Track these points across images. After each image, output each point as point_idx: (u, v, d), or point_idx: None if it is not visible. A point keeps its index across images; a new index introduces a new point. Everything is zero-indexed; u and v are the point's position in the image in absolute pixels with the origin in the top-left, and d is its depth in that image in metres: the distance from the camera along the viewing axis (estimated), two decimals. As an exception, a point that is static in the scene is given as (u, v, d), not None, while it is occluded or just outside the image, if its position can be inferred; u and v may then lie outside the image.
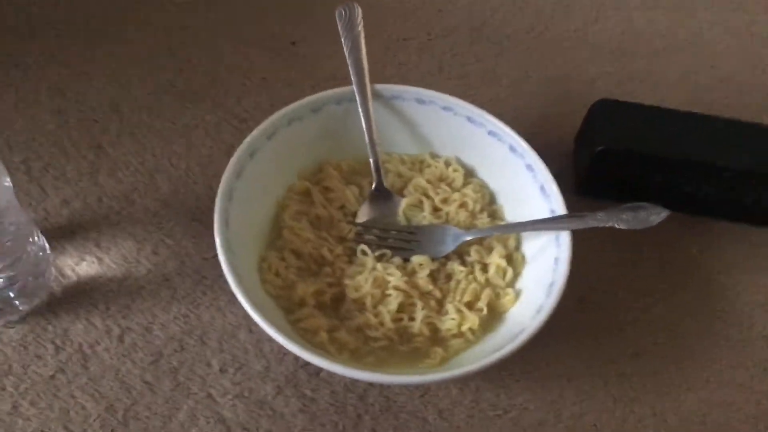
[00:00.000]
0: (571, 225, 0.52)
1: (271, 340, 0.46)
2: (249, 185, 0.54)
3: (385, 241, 0.56)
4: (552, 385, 0.54)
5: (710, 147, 0.60)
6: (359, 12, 0.60)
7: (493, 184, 0.60)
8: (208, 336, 0.53)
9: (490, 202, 0.60)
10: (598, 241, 0.58)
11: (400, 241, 0.56)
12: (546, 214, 0.54)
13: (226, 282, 0.47)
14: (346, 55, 0.59)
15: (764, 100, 0.73)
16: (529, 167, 0.57)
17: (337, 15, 0.60)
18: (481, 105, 0.58)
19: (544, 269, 0.53)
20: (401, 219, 0.58)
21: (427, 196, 0.59)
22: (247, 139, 0.54)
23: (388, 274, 0.53)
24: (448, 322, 0.52)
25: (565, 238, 0.52)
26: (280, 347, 0.46)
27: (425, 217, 0.58)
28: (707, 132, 0.61)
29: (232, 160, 0.53)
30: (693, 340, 0.57)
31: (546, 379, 0.54)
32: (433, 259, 0.55)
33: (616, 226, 0.52)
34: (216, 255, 0.48)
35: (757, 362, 0.56)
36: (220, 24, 0.74)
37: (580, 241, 0.52)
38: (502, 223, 0.58)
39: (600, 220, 0.52)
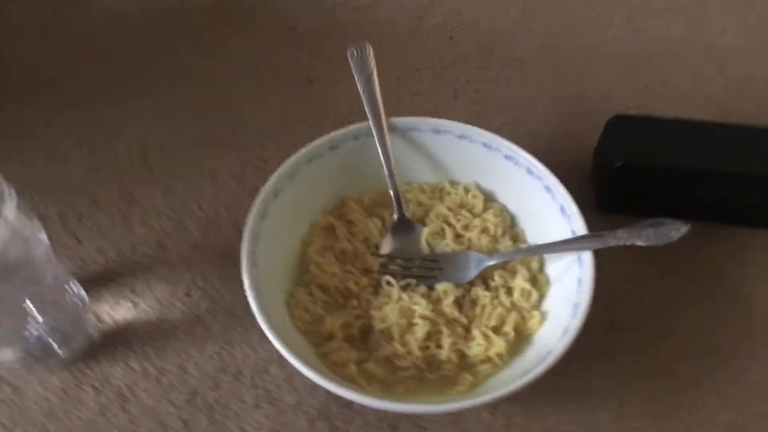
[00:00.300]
0: (592, 245, 0.52)
1: (301, 374, 0.47)
2: (274, 224, 0.55)
3: (409, 271, 0.57)
4: (584, 406, 0.53)
5: (727, 155, 0.60)
6: (371, 51, 0.61)
7: (513, 207, 0.61)
8: (242, 372, 0.54)
9: (511, 226, 0.60)
10: (621, 258, 0.58)
11: (424, 270, 0.57)
12: (567, 235, 0.55)
13: (256, 319, 0.49)
14: (361, 92, 0.60)
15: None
16: (548, 189, 0.57)
17: (349, 55, 0.61)
18: (497, 129, 0.59)
19: (568, 290, 0.53)
20: (424, 248, 0.59)
21: (449, 224, 0.60)
22: (270, 181, 0.56)
23: (414, 303, 0.54)
24: (476, 348, 0.53)
25: (587, 258, 0.52)
26: (311, 381, 0.47)
27: (448, 244, 0.59)
28: (723, 140, 0.61)
29: (256, 201, 0.55)
30: (724, 352, 0.56)
31: (578, 401, 0.54)
32: (457, 286, 0.56)
33: (637, 243, 0.52)
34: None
35: (794, 372, 0.55)
36: (239, 68, 0.76)
37: (602, 259, 0.52)
38: (524, 246, 0.59)
39: (620, 238, 0.52)
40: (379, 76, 0.61)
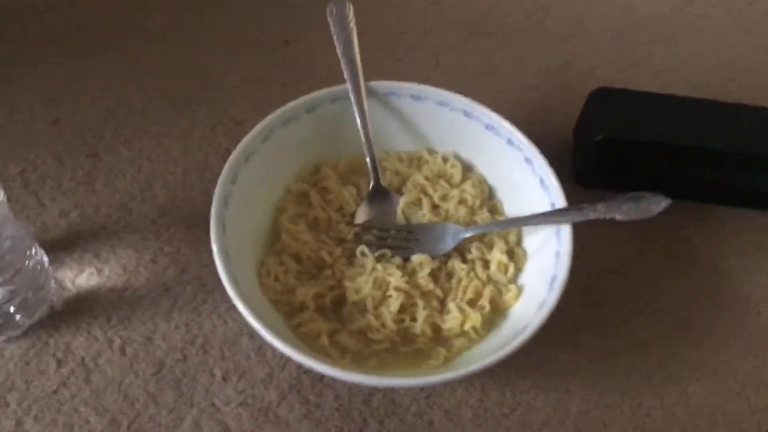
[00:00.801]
0: (571, 218, 0.51)
1: (272, 346, 0.46)
2: (246, 189, 0.53)
3: (385, 241, 0.55)
4: (558, 381, 0.53)
5: (711, 132, 0.59)
6: (351, 9, 0.59)
7: (492, 178, 0.59)
8: (210, 344, 0.53)
9: (489, 197, 0.59)
10: (601, 233, 0.57)
11: (400, 241, 0.56)
12: (546, 208, 0.54)
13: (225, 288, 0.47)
14: (339, 53, 0.58)
15: (767, 84, 0.71)
16: (528, 160, 0.56)
17: (328, 12, 0.59)
18: (479, 98, 0.58)
19: (545, 264, 0.52)
20: (400, 218, 0.57)
21: (426, 194, 0.58)
22: (242, 143, 0.54)
23: (389, 275, 0.53)
24: (451, 321, 0.52)
25: (565, 231, 0.51)
26: (282, 353, 0.45)
27: (424, 215, 0.57)
28: (708, 117, 0.60)
29: (227, 165, 0.52)
30: (700, 330, 0.56)
31: (552, 376, 0.53)
32: (433, 258, 0.54)
33: (617, 217, 0.51)
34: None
35: (767, 350, 0.55)
36: (213, 25, 0.73)
37: (581, 234, 0.51)
38: (502, 218, 0.58)
39: (600, 212, 0.51)
40: (359, 37, 0.58)
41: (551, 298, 0.48)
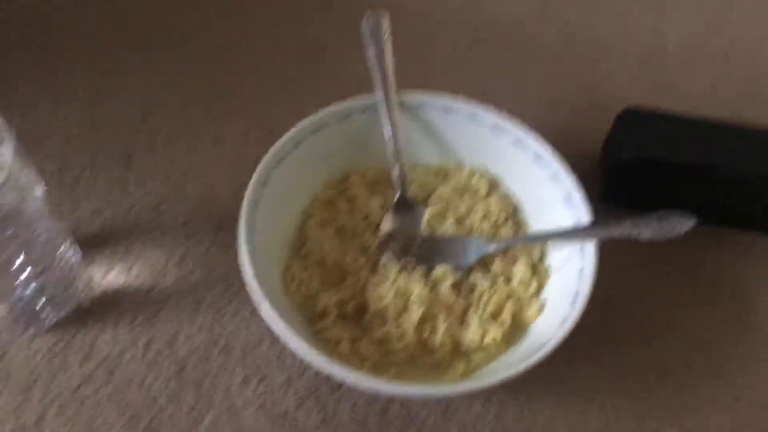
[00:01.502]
0: (596, 234, 0.51)
1: (293, 352, 0.46)
2: (275, 194, 0.54)
3: (408, 252, 0.56)
4: (576, 401, 0.53)
5: (739, 156, 0.58)
6: (387, 23, 0.59)
7: (518, 193, 0.59)
8: (232, 346, 0.53)
9: (514, 213, 0.59)
10: (625, 253, 0.57)
11: (424, 251, 0.56)
12: (571, 224, 0.54)
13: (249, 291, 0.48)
14: (371, 65, 0.59)
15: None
16: (555, 177, 0.56)
17: (363, 23, 0.59)
18: (507, 114, 0.58)
19: (568, 280, 0.52)
20: (425, 229, 0.58)
21: (451, 207, 0.58)
22: (274, 148, 0.55)
23: (411, 285, 0.53)
24: (471, 335, 0.52)
25: (589, 247, 0.51)
26: (302, 359, 0.46)
27: (448, 227, 0.57)
28: (734, 141, 0.59)
29: (259, 169, 0.53)
30: (721, 356, 0.55)
31: (570, 395, 0.53)
32: (456, 270, 0.55)
33: (642, 235, 0.51)
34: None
35: (792, 379, 0.54)
36: (248, 29, 0.74)
37: (606, 253, 0.51)
38: (526, 233, 0.58)
39: (625, 229, 0.51)
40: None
41: (573, 314, 0.48)
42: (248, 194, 0.52)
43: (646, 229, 0.51)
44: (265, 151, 0.54)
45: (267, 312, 0.47)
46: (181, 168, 0.63)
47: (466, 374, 0.51)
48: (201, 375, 0.52)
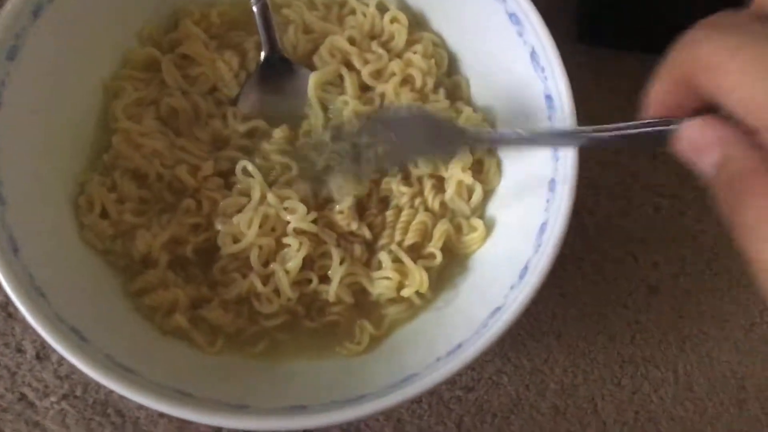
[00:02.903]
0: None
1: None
2: (38, 64, 0.32)
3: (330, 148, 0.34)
4: (534, 345, 0.38)
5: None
6: None
7: (453, 40, 0.38)
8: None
9: (448, 73, 0.38)
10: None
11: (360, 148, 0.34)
12: (535, 86, 0.34)
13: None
14: None
15: None
16: (512, 15, 0.35)
17: None
18: None
19: (531, 190, 0.33)
20: (312, 105, 0.37)
21: (351, 67, 0.37)
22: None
23: (286, 210, 0.33)
24: (382, 284, 0.34)
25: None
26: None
27: (347, 101, 0.36)
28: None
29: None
30: (728, 267, 0.40)
31: (526, 337, 0.37)
32: (357, 180, 0.35)
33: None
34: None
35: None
36: None
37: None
38: (471, 110, 0.37)
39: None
40: None
41: (542, 260, 0.30)
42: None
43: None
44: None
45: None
46: None
47: (376, 342, 0.34)
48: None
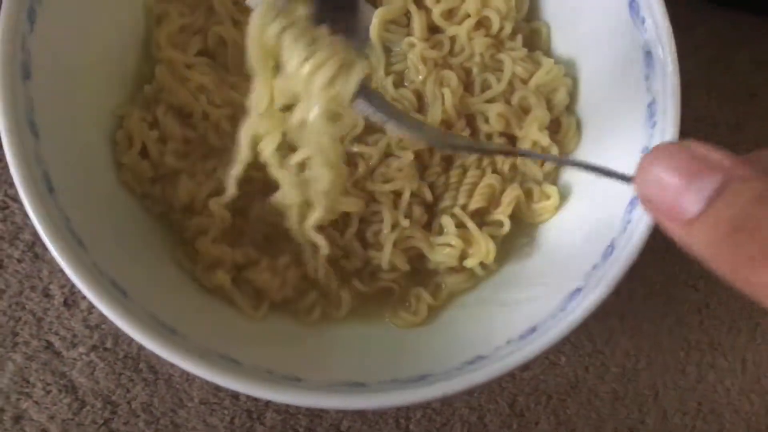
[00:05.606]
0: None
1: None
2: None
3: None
4: (596, 324, 0.35)
5: None
6: None
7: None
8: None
9: (527, 18, 0.34)
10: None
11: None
12: (629, 45, 0.30)
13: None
14: None
15: None
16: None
17: None
18: None
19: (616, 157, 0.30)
20: (371, 47, 0.33)
21: (420, 4, 0.33)
22: None
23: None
24: (442, 251, 0.31)
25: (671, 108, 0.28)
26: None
27: (413, 43, 0.32)
28: None
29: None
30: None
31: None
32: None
33: None
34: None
35: None
36: None
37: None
38: (553, 68, 0.33)
39: None
40: None
41: (630, 241, 0.27)
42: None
43: None
44: None
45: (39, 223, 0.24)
46: None
47: (434, 311, 0.31)
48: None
